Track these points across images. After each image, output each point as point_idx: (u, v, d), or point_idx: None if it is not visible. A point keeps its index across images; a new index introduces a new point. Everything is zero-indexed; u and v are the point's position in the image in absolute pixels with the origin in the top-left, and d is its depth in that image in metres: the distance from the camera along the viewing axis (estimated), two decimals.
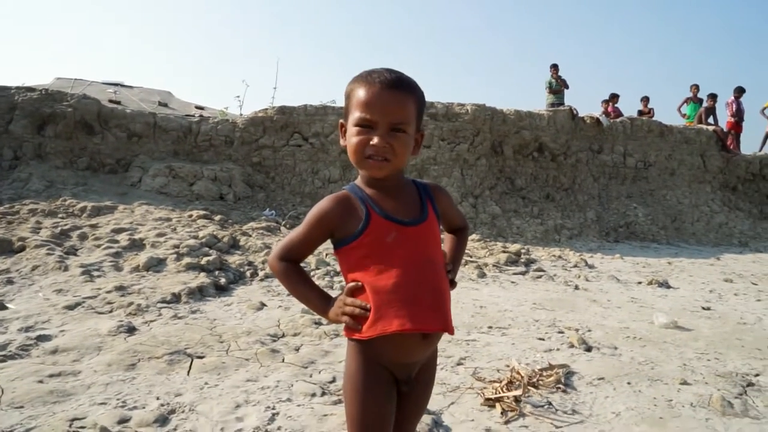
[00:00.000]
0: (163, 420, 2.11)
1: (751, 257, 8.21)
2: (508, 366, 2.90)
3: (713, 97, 12.04)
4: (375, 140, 1.18)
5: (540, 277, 5.67)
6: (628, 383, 2.77)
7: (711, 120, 11.98)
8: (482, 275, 5.49)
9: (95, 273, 4.25)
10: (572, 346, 3.35)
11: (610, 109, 11.61)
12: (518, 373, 2.76)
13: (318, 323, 3.46)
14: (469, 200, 8.41)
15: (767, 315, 4.47)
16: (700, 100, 12.27)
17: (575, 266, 6.38)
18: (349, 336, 1.24)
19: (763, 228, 10.25)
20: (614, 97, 11.76)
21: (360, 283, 1.21)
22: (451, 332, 1.24)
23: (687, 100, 12.32)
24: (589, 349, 3.30)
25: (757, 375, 2.98)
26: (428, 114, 8.74)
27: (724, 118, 11.95)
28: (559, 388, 2.63)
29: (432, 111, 8.80)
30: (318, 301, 1.26)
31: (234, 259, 5.00)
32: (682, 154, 10.80)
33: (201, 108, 13.25)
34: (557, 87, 11.23)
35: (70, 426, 1.98)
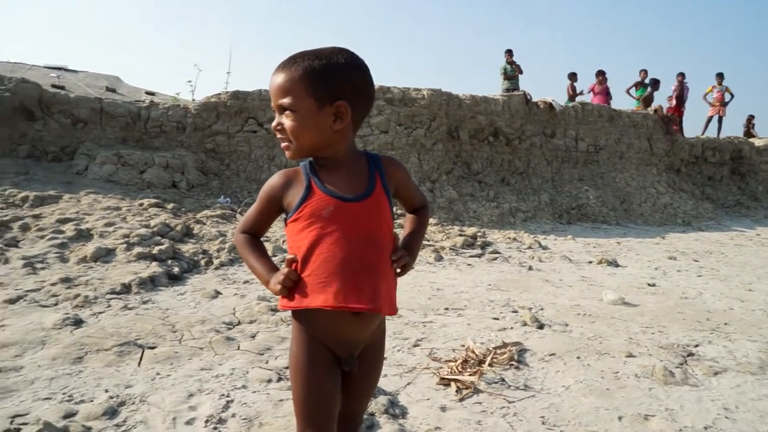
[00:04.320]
0: (112, 412, 2.05)
1: (693, 235, 8.61)
2: (463, 346, 2.95)
3: (656, 82, 12.49)
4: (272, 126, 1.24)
5: (495, 259, 5.78)
6: (578, 358, 2.86)
7: (654, 104, 12.44)
8: (439, 258, 5.55)
9: (39, 265, 4.07)
10: (525, 324, 3.43)
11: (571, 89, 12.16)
12: (473, 352, 2.81)
13: (274, 310, 3.43)
14: (427, 185, 8.46)
15: (707, 290, 4.71)
16: (647, 85, 12.72)
17: (529, 248, 6.54)
18: (281, 307, 1.25)
19: (704, 208, 10.75)
20: (600, 74, 12.28)
21: (296, 256, 1.21)
22: (383, 313, 1.22)
23: (636, 85, 12.73)
24: (541, 326, 3.40)
25: (696, 345, 3.14)
26: (384, 99, 8.71)
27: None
28: (512, 364, 2.70)
29: (388, 96, 8.78)
30: (263, 270, 1.26)
31: (188, 248, 4.88)
32: (630, 137, 11.17)
33: (152, 93, 12.80)
34: (512, 72, 11.39)
35: (11, 423, 1.90)
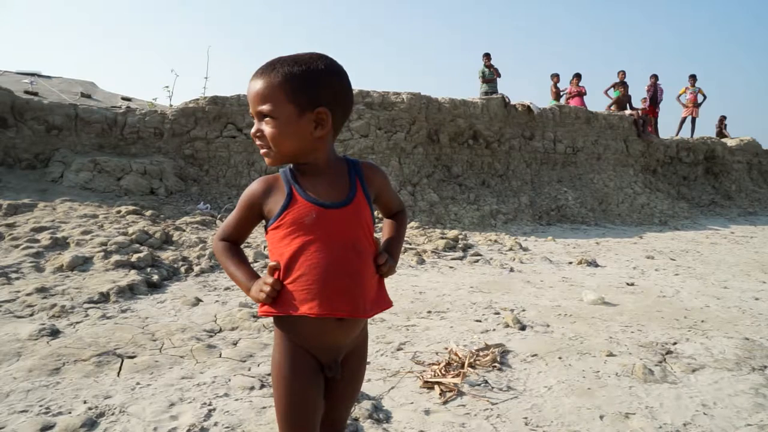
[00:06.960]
0: (91, 424, 2.01)
1: (670, 235, 8.77)
2: (446, 348, 2.96)
3: (625, 85, 12.67)
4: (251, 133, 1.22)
5: (477, 261, 5.81)
6: (560, 358, 2.89)
7: (627, 106, 12.64)
8: (421, 262, 5.57)
9: (13, 275, 3.98)
10: (507, 326, 3.46)
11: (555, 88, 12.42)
12: (456, 354, 2.82)
13: (256, 316, 3.40)
14: (408, 188, 8.49)
15: (684, 288, 4.80)
16: (626, 85, 12.89)
17: (510, 249, 6.59)
18: (261, 314, 1.23)
19: (680, 207, 10.97)
20: (577, 77, 12.41)
21: (278, 263, 1.20)
22: (362, 316, 1.22)
23: (614, 85, 12.91)
24: (523, 327, 3.43)
25: (675, 343, 3.19)
26: (364, 103, 8.73)
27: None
28: (495, 366, 2.72)
29: (368, 100, 8.79)
30: (243, 278, 1.24)
31: (167, 255, 4.82)
32: (607, 139, 11.35)
33: (128, 99, 12.64)
34: (490, 76, 11.47)
35: None
